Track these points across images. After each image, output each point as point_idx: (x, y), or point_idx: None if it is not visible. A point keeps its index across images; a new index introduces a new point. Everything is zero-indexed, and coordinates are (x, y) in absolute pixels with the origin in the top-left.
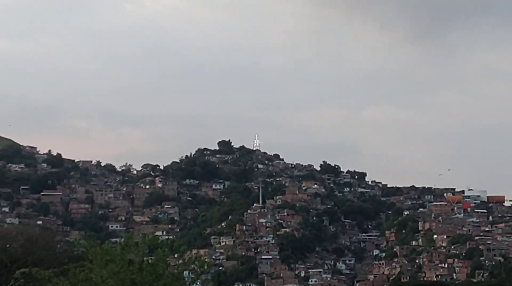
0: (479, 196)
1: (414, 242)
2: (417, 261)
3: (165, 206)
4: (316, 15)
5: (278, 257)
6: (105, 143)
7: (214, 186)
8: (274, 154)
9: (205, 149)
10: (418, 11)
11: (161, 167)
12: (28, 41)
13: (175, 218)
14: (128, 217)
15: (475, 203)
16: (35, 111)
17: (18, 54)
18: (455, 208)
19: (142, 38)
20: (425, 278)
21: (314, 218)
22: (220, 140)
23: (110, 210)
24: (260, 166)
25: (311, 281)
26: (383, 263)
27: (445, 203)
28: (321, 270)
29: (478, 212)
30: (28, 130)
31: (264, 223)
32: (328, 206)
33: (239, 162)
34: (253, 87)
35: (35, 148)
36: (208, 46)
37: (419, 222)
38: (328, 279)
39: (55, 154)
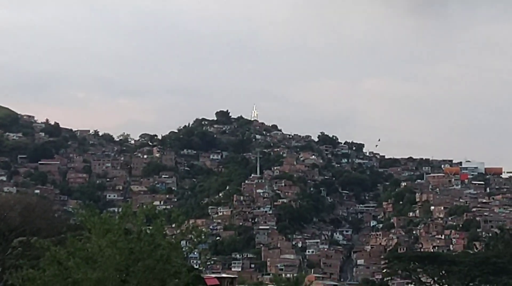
0: (476, 167)
1: (411, 214)
2: (414, 232)
3: (163, 176)
4: None
5: (275, 227)
6: (102, 113)
7: (212, 156)
8: (272, 125)
9: (203, 119)
10: None
11: (159, 137)
12: (26, 10)
13: (173, 188)
14: (125, 187)
15: (472, 174)
16: (33, 80)
17: (15, 23)
18: (453, 179)
19: (141, 8)
20: (422, 249)
21: (311, 189)
22: (218, 110)
23: (108, 179)
24: (258, 136)
25: (308, 251)
26: (380, 234)
27: (443, 174)
28: (318, 240)
29: (475, 183)
30: (26, 99)
31: (261, 194)
32: (326, 177)
33: (237, 133)
34: (252, 58)
35: (33, 117)
36: (208, 17)
37: (417, 194)
38: (325, 249)
39: (52, 123)
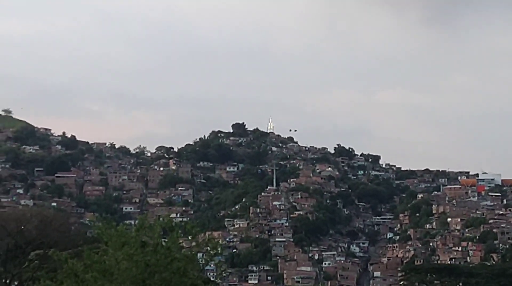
0: (493, 179)
1: (428, 225)
2: (431, 244)
3: (179, 189)
4: None
5: (291, 239)
6: (118, 125)
7: (228, 169)
8: (288, 137)
9: (219, 131)
10: None
11: (175, 150)
12: (41, 22)
13: (189, 200)
14: (142, 199)
15: (489, 186)
16: (49, 93)
17: (31, 35)
18: (469, 191)
19: (156, 21)
20: (439, 261)
21: (328, 201)
22: (234, 122)
23: (124, 192)
24: (274, 148)
25: (325, 263)
26: (396, 246)
27: (459, 186)
28: (335, 253)
29: (492, 195)
30: (42, 112)
31: (278, 206)
32: (342, 189)
33: (253, 145)
34: (267, 70)
35: (50, 130)
36: (222, 28)
37: (433, 205)
38: (342, 261)
39: (69, 136)
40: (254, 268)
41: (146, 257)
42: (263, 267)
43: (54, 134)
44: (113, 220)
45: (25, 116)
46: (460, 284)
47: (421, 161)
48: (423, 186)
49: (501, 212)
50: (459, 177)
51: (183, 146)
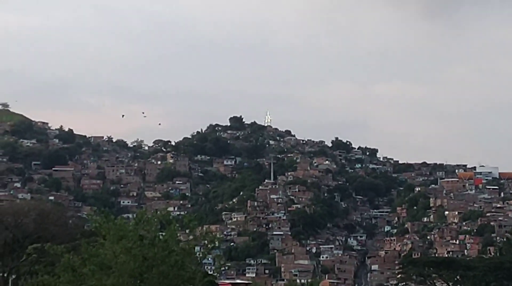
0: (490, 172)
1: (425, 219)
2: (428, 237)
3: (177, 182)
4: None
5: (289, 233)
6: (116, 119)
7: (225, 162)
8: (285, 130)
9: (217, 125)
10: None
11: (173, 143)
12: (38, 16)
13: (187, 194)
14: (139, 193)
15: (486, 179)
16: (46, 87)
17: (28, 29)
18: (467, 184)
19: (154, 14)
20: (436, 254)
21: (325, 194)
22: (232, 116)
23: (122, 185)
24: (271, 142)
25: (322, 257)
26: (394, 239)
27: (457, 179)
28: (332, 246)
29: (489, 188)
30: (39, 105)
31: (275, 199)
32: (340, 182)
33: (250, 138)
34: (264, 63)
35: (47, 123)
36: (220, 21)
37: (431, 199)
38: (339, 255)
39: (66, 129)
40: (252, 262)
41: (144, 250)
42: (261, 261)
43: (51, 128)
44: (110, 213)
45: (22, 110)
46: (458, 277)
47: (418, 154)
48: (421, 179)
49: (498, 205)
50: (456, 170)
51: (181, 139)
